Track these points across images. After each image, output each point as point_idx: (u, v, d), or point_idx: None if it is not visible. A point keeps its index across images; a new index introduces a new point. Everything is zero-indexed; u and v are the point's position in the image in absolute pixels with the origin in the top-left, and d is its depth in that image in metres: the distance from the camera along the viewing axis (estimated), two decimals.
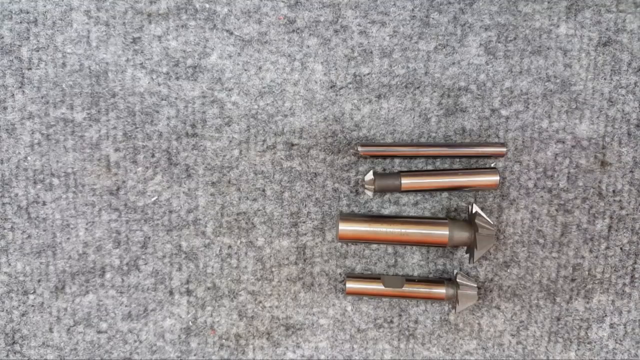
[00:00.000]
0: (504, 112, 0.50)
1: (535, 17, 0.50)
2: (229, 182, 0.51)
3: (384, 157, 0.51)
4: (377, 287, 0.50)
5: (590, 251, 0.52)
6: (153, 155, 0.51)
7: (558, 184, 0.51)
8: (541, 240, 0.52)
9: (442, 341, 0.53)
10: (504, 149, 0.49)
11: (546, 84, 0.50)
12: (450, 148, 0.49)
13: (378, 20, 0.50)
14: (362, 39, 0.50)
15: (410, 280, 0.50)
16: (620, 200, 0.51)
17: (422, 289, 0.50)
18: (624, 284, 0.52)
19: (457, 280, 0.49)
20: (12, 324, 0.53)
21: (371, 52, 0.50)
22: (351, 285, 0.50)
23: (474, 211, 0.48)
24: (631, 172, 0.51)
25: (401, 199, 0.52)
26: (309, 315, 0.53)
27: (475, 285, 0.49)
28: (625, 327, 0.52)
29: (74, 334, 0.53)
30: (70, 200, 0.51)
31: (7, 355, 0.53)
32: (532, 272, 0.52)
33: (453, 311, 0.52)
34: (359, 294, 0.51)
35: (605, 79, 0.50)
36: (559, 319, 0.52)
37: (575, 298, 0.52)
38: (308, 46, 0.50)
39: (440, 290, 0.50)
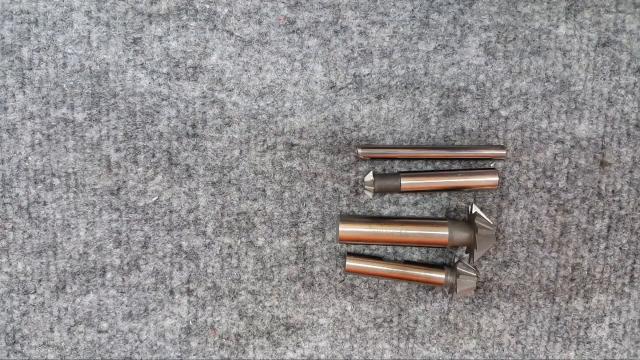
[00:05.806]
0: (503, 113, 0.51)
1: (535, 17, 0.50)
2: (229, 182, 0.51)
3: (384, 159, 0.51)
4: (376, 266, 0.50)
5: (590, 251, 0.52)
6: (154, 156, 0.51)
7: (557, 184, 0.51)
8: (540, 240, 0.52)
9: (442, 340, 0.53)
10: (503, 152, 0.49)
11: (545, 84, 0.50)
12: (450, 151, 0.49)
13: (378, 20, 0.50)
14: (362, 39, 0.50)
15: (410, 262, 0.51)
16: (619, 200, 0.51)
17: (422, 273, 0.50)
18: (623, 284, 0.52)
19: (457, 268, 0.49)
20: (13, 323, 0.53)
21: (371, 53, 0.50)
22: (351, 263, 0.50)
23: (473, 211, 0.48)
24: (630, 172, 0.51)
25: (401, 199, 0.52)
26: (309, 314, 0.53)
27: (475, 274, 0.49)
28: (624, 327, 0.52)
29: (74, 333, 0.53)
30: (71, 200, 0.52)
31: (8, 355, 0.53)
32: (532, 271, 0.52)
33: (451, 296, 0.52)
34: (358, 273, 0.51)
35: (604, 79, 0.50)
36: (558, 319, 0.52)
37: (574, 298, 0.52)
38: (308, 47, 0.50)
39: (440, 276, 0.49)
